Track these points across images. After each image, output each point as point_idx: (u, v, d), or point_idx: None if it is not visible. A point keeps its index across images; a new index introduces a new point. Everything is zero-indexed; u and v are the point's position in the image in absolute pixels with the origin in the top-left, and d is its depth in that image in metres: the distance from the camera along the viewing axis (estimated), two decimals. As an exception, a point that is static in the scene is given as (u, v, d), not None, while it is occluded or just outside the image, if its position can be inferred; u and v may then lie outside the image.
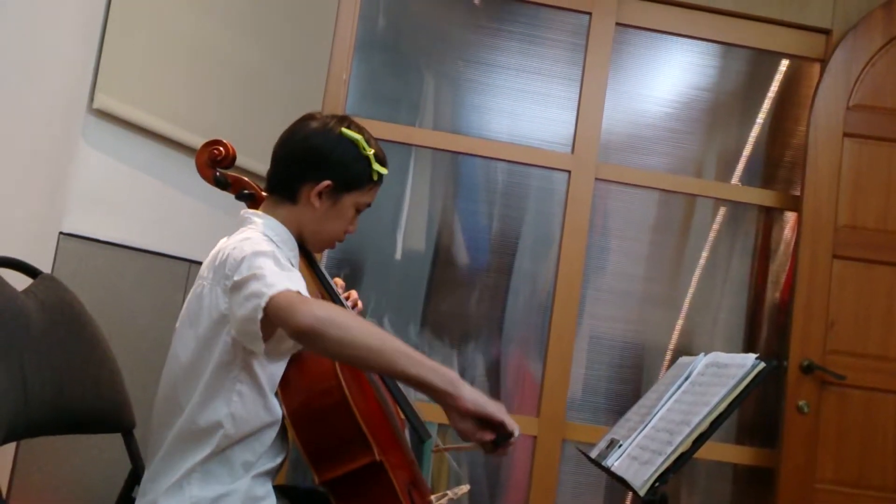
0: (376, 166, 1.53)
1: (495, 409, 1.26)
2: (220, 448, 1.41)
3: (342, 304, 1.64)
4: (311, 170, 1.49)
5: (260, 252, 1.35)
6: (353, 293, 1.74)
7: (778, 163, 2.81)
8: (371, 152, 1.52)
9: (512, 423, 1.27)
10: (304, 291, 1.31)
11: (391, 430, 1.59)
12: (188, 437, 1.41)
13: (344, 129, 1.51)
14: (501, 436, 1.25)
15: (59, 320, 1.60)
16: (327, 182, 1.49)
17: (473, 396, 1.24)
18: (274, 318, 1.27)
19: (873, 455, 2.51)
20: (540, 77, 2.74)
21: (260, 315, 1.27)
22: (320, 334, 1.21)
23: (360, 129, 1.54)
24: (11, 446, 1.89)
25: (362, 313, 1.73)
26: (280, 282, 1.28)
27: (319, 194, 1.49)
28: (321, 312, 1.22)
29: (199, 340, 1.42)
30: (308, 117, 1.56)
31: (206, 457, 1.40)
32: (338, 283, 1.69)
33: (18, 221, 1.86)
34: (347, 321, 1.23)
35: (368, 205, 1.57)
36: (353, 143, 1.51)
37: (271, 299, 1.25)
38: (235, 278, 1.34)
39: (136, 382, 1.82)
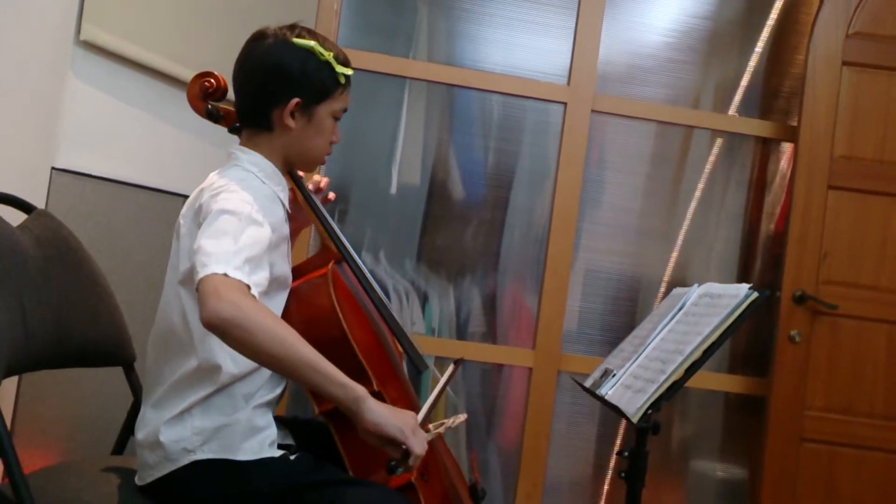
0: (339, 68, 1.47)
1: (397, 431, 1.24)
2: (223, 385, 1.43)
3: (331, 229, 1.62)
4: (276, 92, 1.44)
5: (224, 210, 1.30)
6: (318, 179, 1.66)
7: (776, 93, 2.78)
8: (330, 55, 1.46)
9: (415, 446, 1.25)
10: (255, 267, 1.26)
11: (389, 362, 1.61)
12: (192, 376, 1.42)
13: (296, 40, 1.45)
14: (403, 457, 1.24)
15: (55, 256, 1.60)
16: (296, 100, 1.44)
17: (375, 419, 1.24)
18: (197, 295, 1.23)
19: (863, 383, 2.55)
20: (536, 5, 2.69)
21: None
22: (221, 333, 1.20)
23: (313, 34, 1.47)
24: (14, 380, 1.92)
25: (356, 248, 1.72)
26: (216, 262, 1.22)
27: (292, 114, 1.45)
28: (226, 313, 1.17)
29: (181, 279, 1.42)
30: (257, 36, 1.48)
31: (210, 393, 1.42)
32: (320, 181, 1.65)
33: (10, 156, 1.85)
34: (254, 326, 1.19)
35: (345, 110, 1.52)
36: (309, 50, 1.44)
37: (200, 280, 1.22)
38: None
39: (135, 316, 1.83)
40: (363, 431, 1.27)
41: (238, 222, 1.30)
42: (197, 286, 1.23)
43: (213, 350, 1.41)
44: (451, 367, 1.68)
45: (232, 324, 1.18)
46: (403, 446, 1.25)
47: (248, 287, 1.24)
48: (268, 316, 1.23)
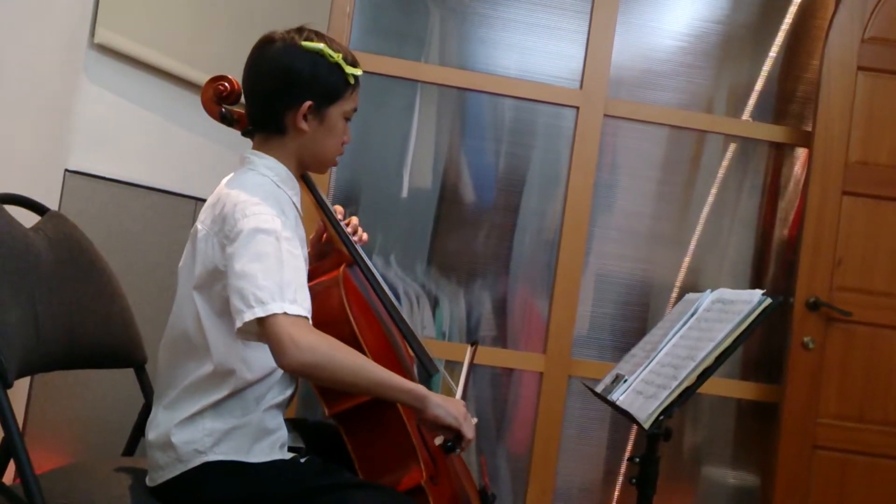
0: (349, 69, 1.47)
1: (453, 419, 1.41)
2: (237, 390, 1.43)
3: (343, 233, 1.62)
4: (287, 96, 1.44)
5: (259, 229, 1.33)
6: (354, 220, 1.70)
7: (790, 98, 2.76)
8: (339, 57, 1.46)
9: (467, 431, 1.43)
10: (302, 291, 1.33)
11: (399, 365, 1.61)
12: (206, 380, 1.42)
13: (304, 43, 1.44)
14: (456, 439, 1.43)
15: (67, 257, 1.61)
16: (308, 103, 1.44)
17: (435, 412, 1.40)
18: (265, 339, 1.31)
19: (876, 390, 2.53)
20: (548, 9, 2.69)
21: (239, 325, 1.30)
22: (304, 376, 1.37)
23: (321, 36, 1.48)
24: (25, 381, 1.93)
25: (368, 251, 1.73)
26: (272, 299, 1.28)
27: (304, 117, 1.45)
28: (309, 360, 1.29)
29: (196, 285, 1.43)
30: (265, 41, 1.48)
31: (223, 397, 1.42)
32: (338, 210, 1.67)
33: (24, 159, 1.86)
34: (333, 364, 1.32)
35: (355, 110, 1.52)
36: (319, 53, 1.44)
37: (261, 321, 1.29)
38: (231, 249, 1.34)
39: (146, 318, 1.84)
40: (423, 421, 1.43)
41: (275, 241, 1.34)
42: (257, 322, 1.29)
43: (229, 356, 1.41)
44: (469, 350, 1.76)
45: (315, 367, 1.31)
46: (457, 431, 1.42)
47: (307, 318, 1.32)
48: (340, 350, 1.34)
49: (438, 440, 1.47)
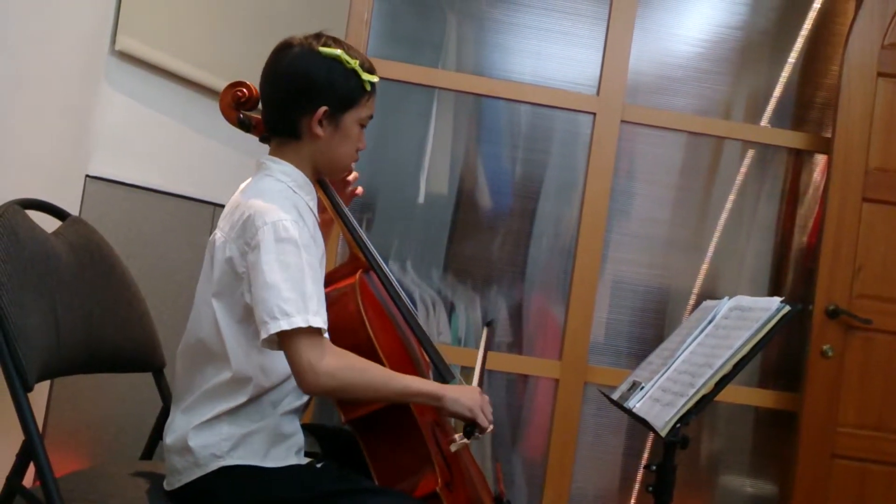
0: (366, 76, 1.47)
1: (467, 410, 1.49)
2: (255, 396, 1.44)
3: (359, 238, 1.62)
4: (303, 101, 1.45)
5: (281, 239, 1.35)
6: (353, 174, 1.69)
7: (809, 104, 2.74)
8: (356, 63, 1.46)
9: (483, 421, 1.51)
10: (322, 303, 1.36)
11: (416, 371, 1.61)
12: (224, 386, 1.43)
13: (322, 49, 1.45)
14: (471, 427, 1.51)
15: (88, 262, 1.62)
16: (324, 108, 1.44)
17: (452, 406, 1.48)
18: (285, 355, 1.35)
19: (896, 399, 2.50)
20: (565, 15, 2.69)
21: (264, 336, 1.33)
22: (327, 397, 1.47)
23: (339, 42, 1.48)
24: (45, 385, 1.95)
25: (384, 257, 1.73)
26: (296, 311, 1.32)
27: (320, 122, 1.45)
28: (328, 386, 1.36)
29: (215, 292, 1.43)
30: (283, 46, 1.49)
31: (241, 403, 1.43)
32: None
33: (46, 164, 1.88)
34: (352, 386, 1.38)
35: (370, 117, 1.53)
36: (336, 59, 1.45)
37: (280, 337, 1.33)
38: (253, 257, 1.35)
39: (165, 323, 1.85)
40: (442, 413, 1.53)
41: (297, 251, 1.35)
42: (278, 337, 1.33)
43: (247, 363, 1.42)
44: (485, 331, 1.83)
45: (334, 391, 1.41)
46: (471, 420, 1.50)
47: (324, 330, 1.35)
48: (356, 368, 1.39)
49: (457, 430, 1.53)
